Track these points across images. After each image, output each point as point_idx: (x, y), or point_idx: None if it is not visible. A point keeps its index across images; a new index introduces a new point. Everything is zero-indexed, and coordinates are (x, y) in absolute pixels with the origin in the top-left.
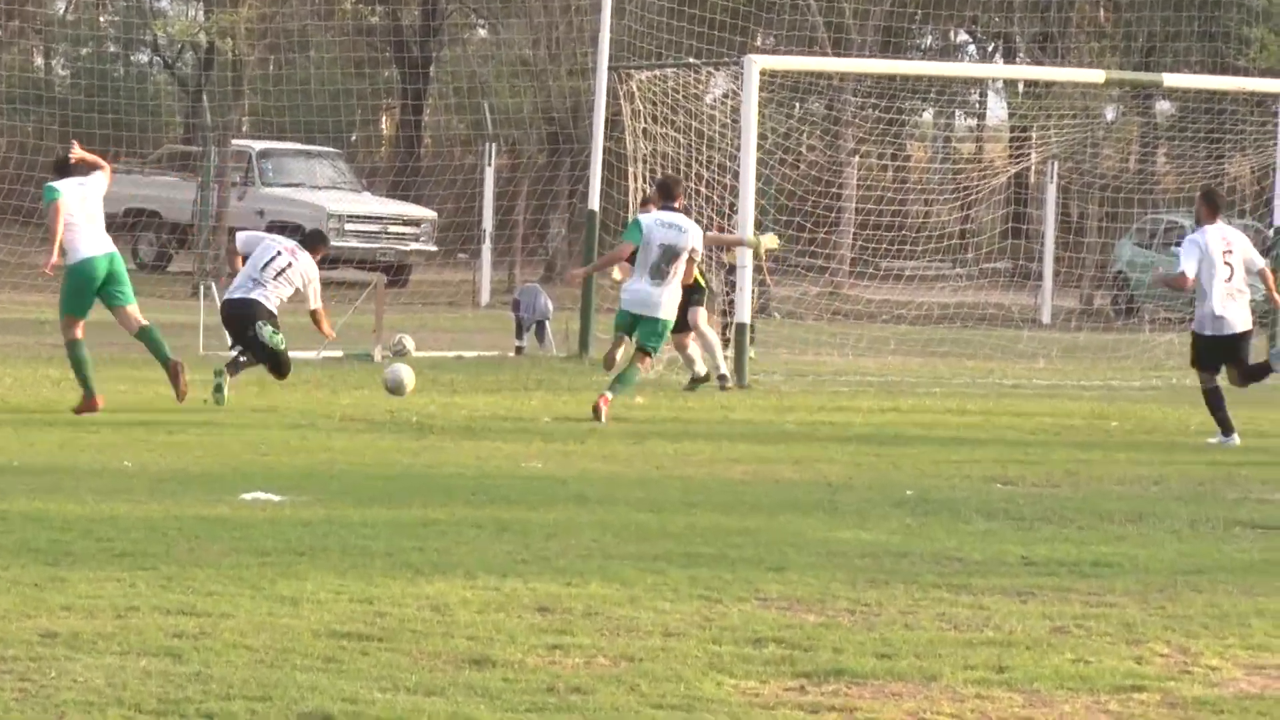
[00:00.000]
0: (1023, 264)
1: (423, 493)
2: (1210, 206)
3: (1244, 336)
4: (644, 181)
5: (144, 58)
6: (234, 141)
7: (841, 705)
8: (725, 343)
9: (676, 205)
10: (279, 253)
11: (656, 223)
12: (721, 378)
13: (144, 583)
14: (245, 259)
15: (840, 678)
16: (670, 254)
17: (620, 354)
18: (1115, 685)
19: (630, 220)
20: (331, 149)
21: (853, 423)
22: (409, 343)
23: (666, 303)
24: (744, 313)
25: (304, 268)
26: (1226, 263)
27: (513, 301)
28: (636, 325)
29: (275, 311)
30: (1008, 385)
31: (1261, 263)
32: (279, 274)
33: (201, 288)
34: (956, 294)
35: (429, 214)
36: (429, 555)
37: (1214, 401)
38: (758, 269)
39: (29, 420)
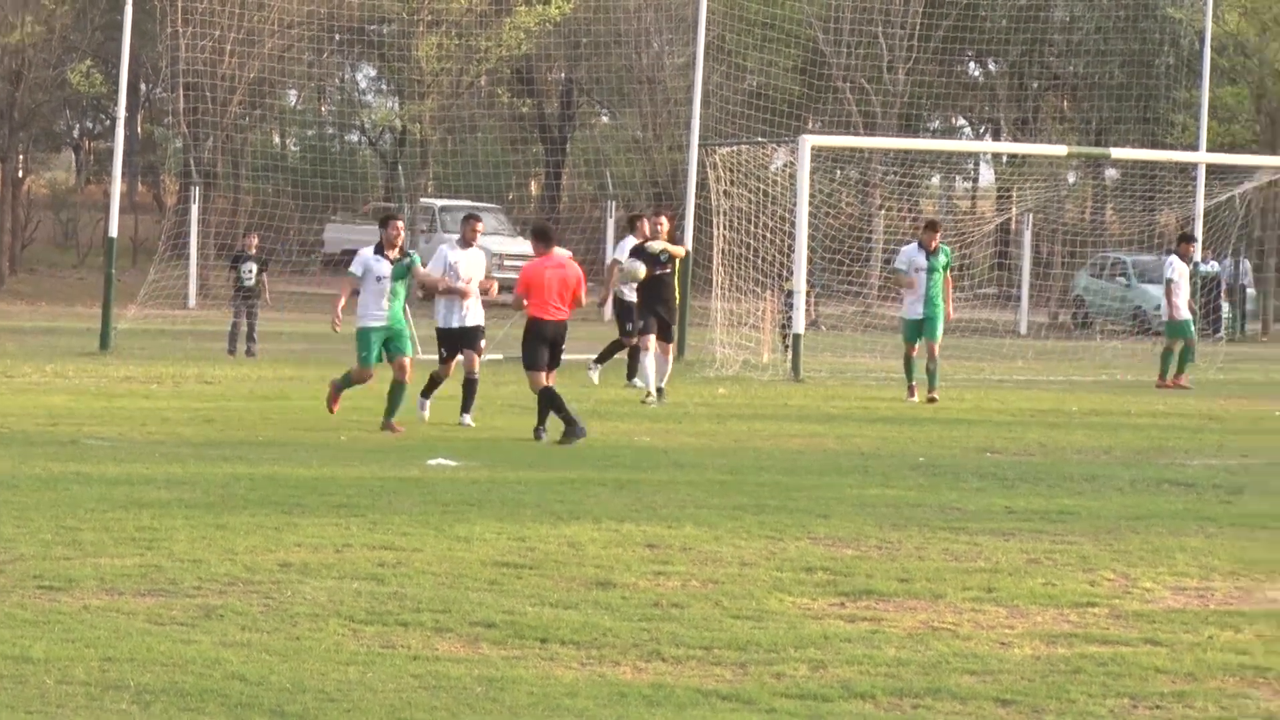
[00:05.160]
0: (1006, 289)
1: (562, 459)
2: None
3: None
4: (725, 229)
5: (354, 137)
6: (422, 200)
7: (871, 616)
8: (787, 349)
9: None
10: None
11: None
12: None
13: (355, 526)
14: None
15: (870, 596)
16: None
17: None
18: (1074, 601)
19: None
20: (494, 205)
21: (879, 408)
22: None
23: None
24: (799, 325)
25: None
26: None
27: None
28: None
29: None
30: (994, 380)
31: None
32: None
33: None
34: (956, 311)
35: (566, 253)
36: (566, 505)
37: None
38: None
39: (267, 404)
